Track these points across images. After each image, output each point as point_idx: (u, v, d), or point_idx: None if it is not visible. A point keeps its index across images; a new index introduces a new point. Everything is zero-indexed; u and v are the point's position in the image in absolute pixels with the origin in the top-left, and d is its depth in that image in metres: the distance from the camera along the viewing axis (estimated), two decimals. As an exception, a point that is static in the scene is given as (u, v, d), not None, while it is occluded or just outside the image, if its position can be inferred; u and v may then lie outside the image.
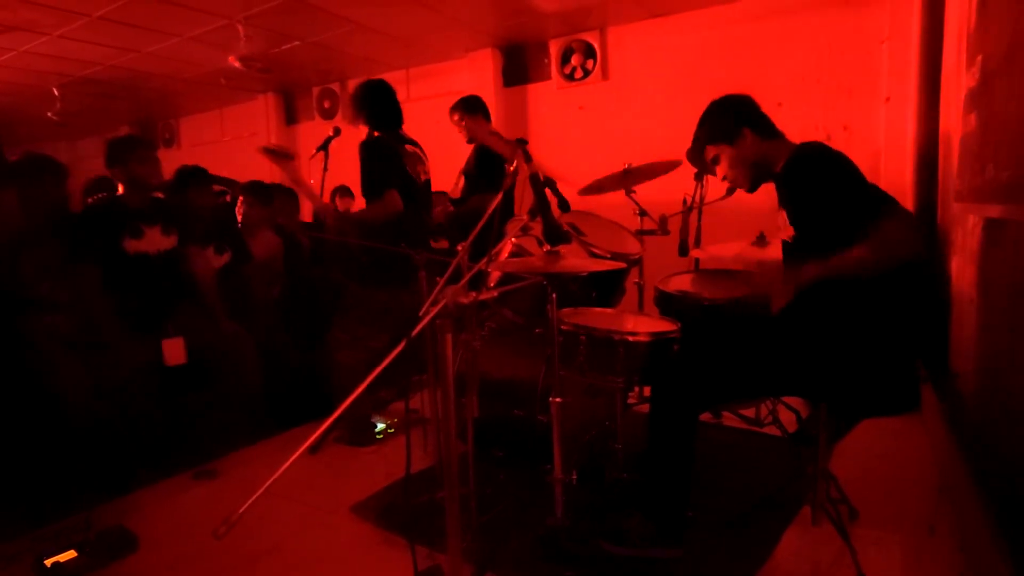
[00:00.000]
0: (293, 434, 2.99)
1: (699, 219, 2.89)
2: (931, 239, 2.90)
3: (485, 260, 1.54)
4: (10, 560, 2.03)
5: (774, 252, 2.21)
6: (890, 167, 3.71)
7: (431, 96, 5.63)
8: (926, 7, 3.14)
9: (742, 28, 4.30)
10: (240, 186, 3.76)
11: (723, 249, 2.67)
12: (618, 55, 4.85)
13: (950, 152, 2.49)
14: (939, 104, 2.95)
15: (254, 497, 1.03)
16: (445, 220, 3.68)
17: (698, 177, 2.73)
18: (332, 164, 3.00)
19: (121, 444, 2.58)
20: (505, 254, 2.54)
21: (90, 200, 3.75)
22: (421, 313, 1.27)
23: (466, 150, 3.80)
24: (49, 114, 6.18)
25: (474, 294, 1.33)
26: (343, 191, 5.25)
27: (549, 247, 1.94)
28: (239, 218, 3.61)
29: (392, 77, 3.39)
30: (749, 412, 2.88)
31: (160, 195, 2.97)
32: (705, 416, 2.82)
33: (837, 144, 1.77)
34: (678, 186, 2.81)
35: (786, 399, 2.82)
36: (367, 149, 2.84)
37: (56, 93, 5.90)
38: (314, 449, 2.85)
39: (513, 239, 2.49)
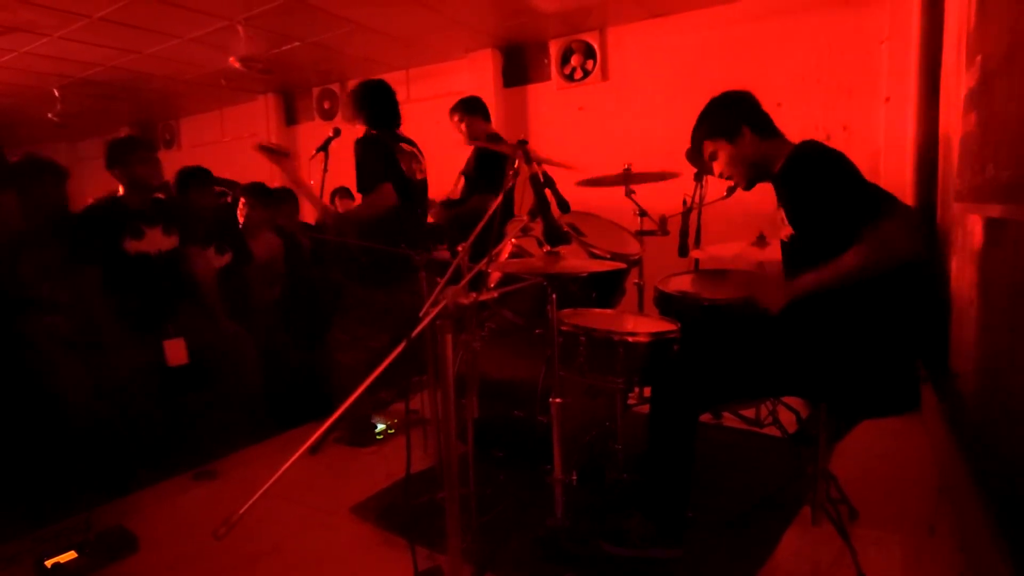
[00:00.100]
0: (293, 435, 3.00)
1: (699, 220, 2.89)
2: (931, 239, 2.90)
3: (485, 261, 1.54)
4: (10, 561, 2.03)
5: (774, 253, 2.21)
6: (890, 167, 3.71)
7: (431, 97, 5.63)
8: (926, 7, 3.14)
9: (742, 28, 4.30)
10: (242, 187, 3.77)
11: (723, 249, 2.67)
12: (618, 55, 4.85)
13: (950, 152, 2.49)
14: (939, 104, 2.95)
15: (254, 498, 1.03)
16: (445, 223, 3.69)
17: (698, 178, 2.73)
18: (332, 165, 3.00)
19: (121, 444, 2.58)
20: (505, 255, 2.54)
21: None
22: (421, 314, 1.27)
23: (466, 151, 3.80)
24: (49, 115, 6.18)
25: (474, 295, 1.33)
26: (343, 192, 5.25)
27: (549, 248, 1.94)
28: (241, 219, 3.62)
29: (392, 78, 3.39)
30: (749, 413, 2.88)
31: (161, 196, 2.97)
32: (705, 417, 2.82)
33: (837, 144, 1.77)
34: (678, 187, 2.81)
35: (786, 399, 2.82)
36: (362, 145, 2.85)
37: (56, 94, 5.90)
38: (314, 450, 2.85)
39: (513, 240, 2.49)
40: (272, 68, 5.07)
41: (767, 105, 1.95)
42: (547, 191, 1.89)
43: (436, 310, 1.25)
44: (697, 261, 2.93)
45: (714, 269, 2.81)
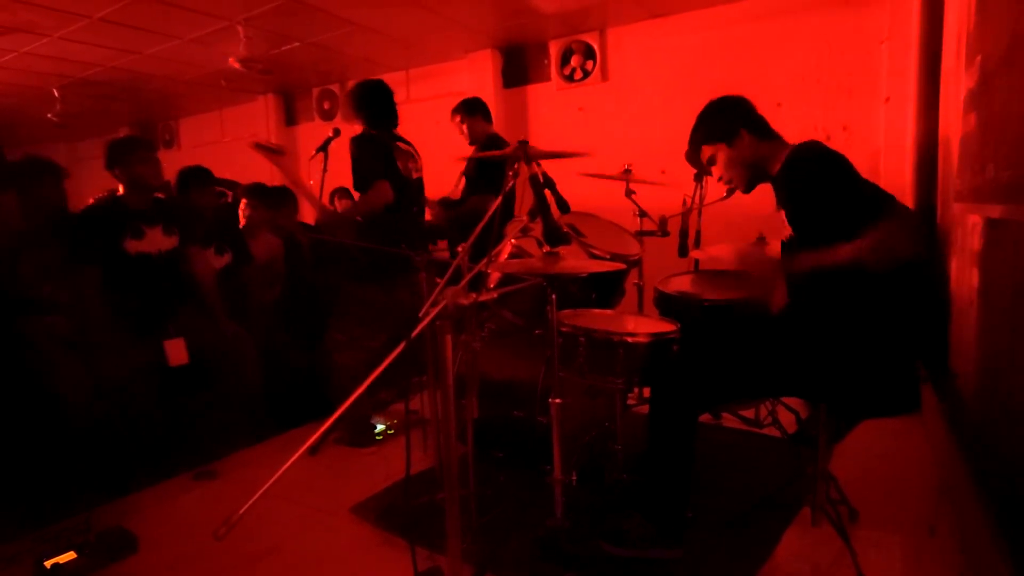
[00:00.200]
0: (293, 435, 3.00)
1: (699, 220, 2.89)
2: (931, 239, 2.90)
3: (485, 261, 1.54)
4: (10, 561, 2.03)
5: (774, 254, 2.21)
6: (890, 167, 3.71)
7: (431, 97, 5.64)
8: (926, 7, 3.14)
9: (742, 28, 4.30)
10: (243, 188, 3.77)
11: (723, 250, 2.67)
12: (618, 56, 4.85)
13: (950, 152, 2.49)
14: (939, 104, 2.95)
15: (254, 498, 1.03)
16: (444, 223, 3.69)
17: (698, 178, 2.74)
18: (332, 165, 3.00)
19: (121, 445, 2.58)
20: (505, 255, 2.54)
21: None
22: (421, 314, 1.27)
23: (466, 151, 3.80)
24: (49, 115, 6.18)
25: (474, 295, 1.33)
26: (343, 192, 5.25)
27: (549, 248, 1.94)
28: (242, 220, 3.61)
29: (392, 78, 3.40)
30: (749, 413, 2.88)
31: (161, 195, 2.97)
32: (705, 417, 2.83)
33: (837, 144, 1.77)
34: (678, 187, 2.81)
35: (786, 400, 2.82)
36: (358, 143, 2.86)
37: (56, 95, 5.90)
38: (314, 450, 2.85)
39: (513, 240, 2.49)
40: (272, 68, 5.07)
41: (767, 106, 1.95)
42: (547, 192, 1.89)
43: (436, 310, 1.25)
44: (697, 262, 2.93)
45: (714, 270, 2.81)
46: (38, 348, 2.50)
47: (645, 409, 1.91)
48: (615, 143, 4.74)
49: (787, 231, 1.83)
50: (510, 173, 1.94)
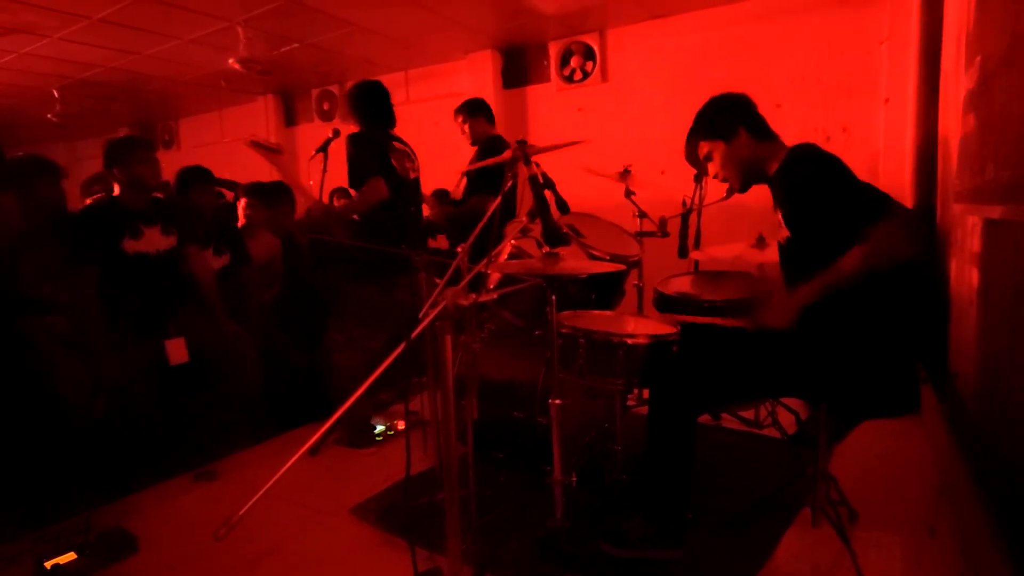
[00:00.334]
0: (293, 435, 3.00)
1: (699, 221, 2.89)
2: (931, 240, 2.90)
3: (485, 262, 1.54)
4: (10, 562, 2.03)
5: (773, 254, 2.21)
6: (889, 168, 3.71)
7: (431, 98, 5.64)
8: (925, 8, 3.14)
9: (741, 29, 4.30)
10: (244, 188, 3.77)
11: (722, 251, 2.67)
12: (617, 57, 4.85)
13: (949, 153, 2.50)
14: (938, 105, 2.95)
15: (255, 499, 1.03)
16: (444, 220, 3.70)
17: (697, 179, 2.74)
18: (331, 166, 3.00)
19: (121, 445, 2.58)
20: (504, 256, 2.54)
21: (88, 200, 3.74)
22: (421, 315, 1.27)
23: (467, 152, 3.81)
24: (49, 116, 6.18)
25: (474, 296, 1.33)
26: (342, 193, 5.25)
27: (548, 249, 1.94)
28: (241, 219, 3.61)
29: (391, 79, 3.41)
30: (748, 414, 2.89)
31: (160, 195, 2.97)
32: (705, 418, 2.83)
33: (836, 145, 1.78)
34: (677, 188, 2.81)
35: (785, 401, 2.82)
36: (354, 141, 2.87)
37: (56, 95, 5.90)
38: (314, 451, 2.85)
39: (512, 241, 2.49)
40: (271, 69, 5.07)
41: (767, 106, 1.95)
42: (547, 192, 1.89)
43: (436, 311, 1.26)
44: (697, 263, 2.93)
45: (714, 271, 2.82)
46: (38, 348, 2.50)
47: (645, 410, 1.91)
48: (615, 144, 4.74)
49: (784, 232, 1.84)
50: (510, 174, 1.94)
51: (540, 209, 1.82)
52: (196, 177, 3.33)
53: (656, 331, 2.11)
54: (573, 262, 2.09)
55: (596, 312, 2.46)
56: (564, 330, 2.10)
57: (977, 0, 1.99)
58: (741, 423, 2.88)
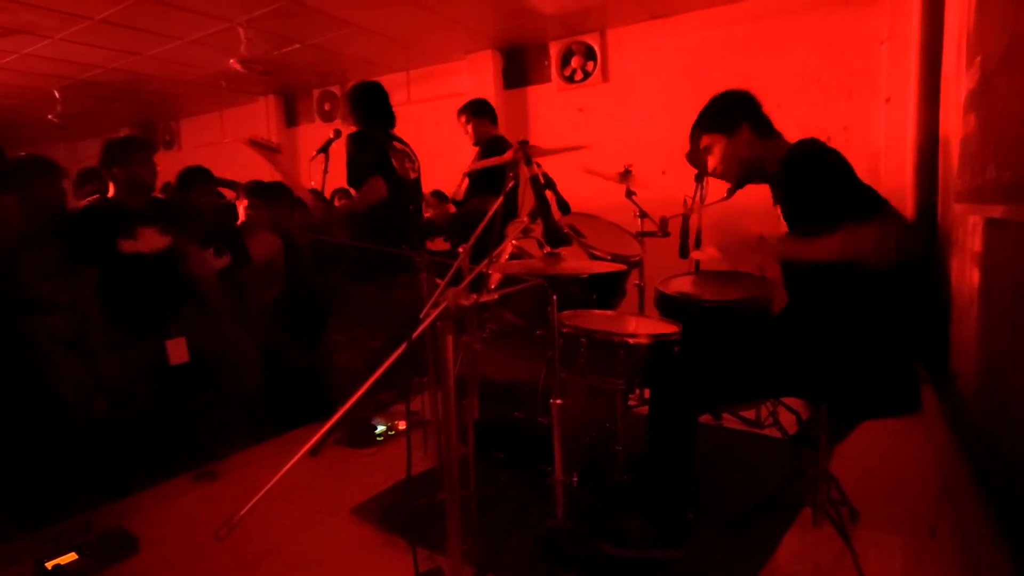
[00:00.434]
0: (293, 436, 3.00)
1: (699, 221, 2.89)
2: (931, 240, 2.90)
3: (486, 262, 1.54)
4: (10, 562, 2.03)
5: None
6: (890, 168, 3.71)
7: (431, 98, 5.64)
8: (926, 8, 3.14)
9: (742, 29, 4.30)
10: (245, 188, 3.77)
11: (712, 252, 2.66)
12: (618, 57, 4.86)
13: (950, 153, 2.49)
14: (939, 105, 2.95)
15: (255, 499, 1.03)
16: (445, 220, 3.70)
17: (698, 179, 2.73)
18: (332, 166, 3.01)
19: (121, 445, 2.58)
20: (505, 256, 2.54)
21: (83, 199, 3.74)
22: (422, 315, 1.27)
23: (468, 152, 3.81)
24: (50, 116, 6.19)
25: (475, 296, 1.33)
26: (343, 194, 5.25)
27: (549, 249, 1.94)
28: (242, 218, 3.61)
29: (392, 79, 3.41)
30: (749, 414, 2.88)
31: (160, 195, 2.97)
32: (705, 418, 2.83)
33: (837, 145, 1.77)
34: (678, 188, 2.81)
35: (786, 400, 2.82)
36: (353, 140, 2.87)
37: (57, 96, 5.91)
38: (315, 451, 2.85)
39: (514, 241, 2.49)
40: (272, 70, 5.08)
41: (767, 106, 1.95)
42: (548, 192, 1.89)
43: (437, 311, 1.26)
44: (698, 263, 2.93)
45: (715, 271, 2.81)
46: (38, 348, 2.50)
47: (646, 410, 1.92)
48: (615, 144, 4.74)
49: (783, 228, 1.83)
50: (510, 174, 1.95)
51: (541, 209, 1.82)
52: (196, 177, 3.33)
53: (657, 331, 2.11)
54: (574, 262, 2.09)
55: (597, 312, 2.46)
56: (565, 330, 2.10)
57: (977, 0, 1.99)
58: (742, 423, 2.88)
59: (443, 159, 4.10)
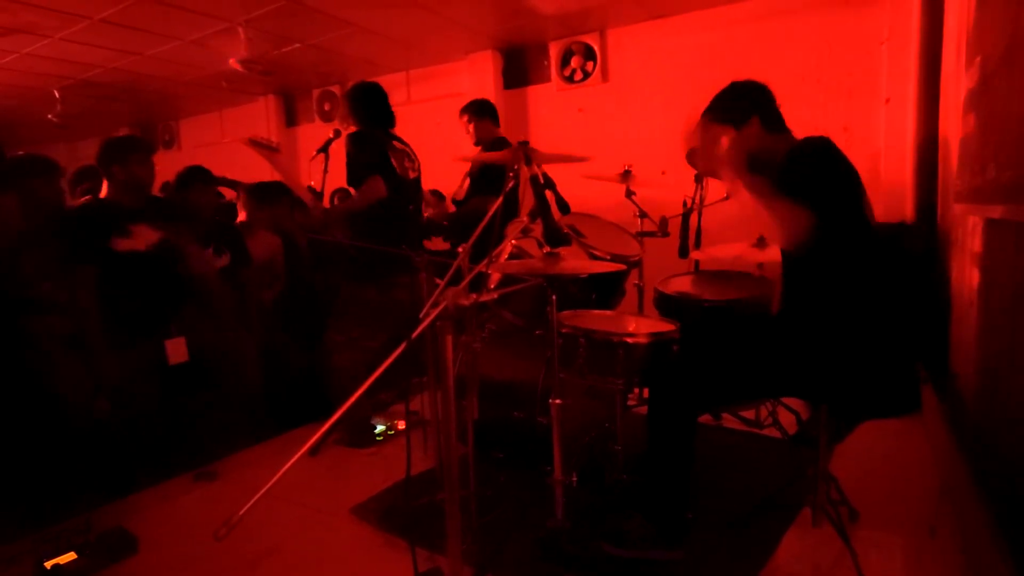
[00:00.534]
0: (293, 436, 2.99)
1: (699, 221, 2.89)
2: (931, 240, 2.90)
3: (485, 262, 1.54)
4: (10, 562, 2.03)
5: (774, 254, 2.21)
6: (890, 168, 3.71)
7: (431, 98, 5.64)
8: (926, 8, 3.15)
9: (742, 29, 4.30)
10: (244, 187, 3.76)
11: (723, 251, 2.67)
12: (618, 57, 4.86)
13: (950, 153, 2.50)
14: (939, 105, 2.95)
15: (255, 499, 1.03)
16: (445, 220, 3.70)
17: (698, 179, 2.73)
18: (332, 166, 3.01)
19: (121, 445, 2.57)
20: (505, 256, 2.54)
21: (79, 198, 3.74)
22: (421, 315, 1.27)
23: (469, 152, 3.81)
24: (50, 116, 6.19)
25: (474, 296, 1.33)
26: (343, 193, 5.25)
27: (549, 249, 1.94)
28: (243, 217, 3.61)
29: (392, 79, 3.41)
30: (749, 414, 2.88)
31: (160, 194, 2.97)
32: (705, 418, 2.83)
33: (837, 145, 1.77)
34: (678, 188, 2.81)
35: (786, 401, 2.82)
36: (353, 140, 2.88)
37: (57, 95, 5.91)
38: (314, 451, 2.84)
39: (513, 241, 2.49)
40: (272, 70, 5.08)
41: (768, 106, 1.95)
42: (547, 192, 1.89)
43: (436, 311, 1.25)
44: (697, 262, 2.93)
45: (714, 270, 2.82)
46: (38, 348, 2.50)
47: (645, 410, 1.92)
48: (615, 144, 4.75)
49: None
50: (510, 174, 1.95)
51: (541, 209, 1.82)
52: (195, 177, 3.33)
53: (656, 330, 2.11)
54: (574, 262, 2.09)
55: (596, 312, 2.46)
56: (564, 330, 2.10)
57: (977, 0, 2.00)
58: (742, 423, 2.88)
59: (443, 159, 4.09)
